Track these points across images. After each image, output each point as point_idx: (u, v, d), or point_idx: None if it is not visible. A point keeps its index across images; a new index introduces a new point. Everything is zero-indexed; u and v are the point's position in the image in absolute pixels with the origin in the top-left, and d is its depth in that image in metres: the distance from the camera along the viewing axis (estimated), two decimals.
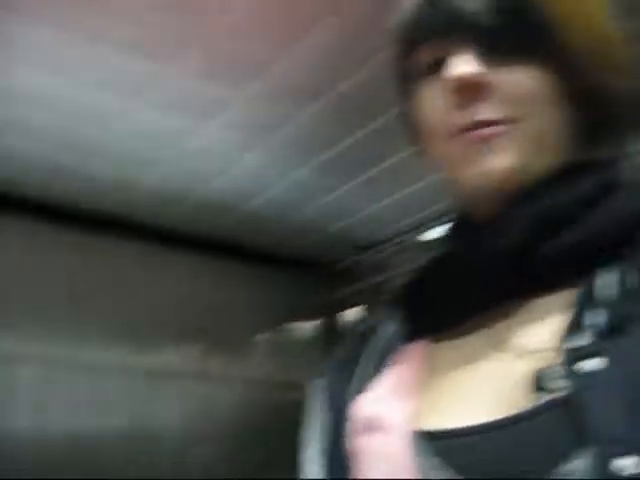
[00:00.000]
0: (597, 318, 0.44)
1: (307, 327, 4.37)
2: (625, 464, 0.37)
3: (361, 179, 3.29)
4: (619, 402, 0.39)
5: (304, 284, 4.42)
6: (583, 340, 0.43)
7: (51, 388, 3.32)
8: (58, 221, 3.53)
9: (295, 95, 2.61)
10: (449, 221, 0.62)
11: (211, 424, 3.80)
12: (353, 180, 3.31)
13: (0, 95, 2.57)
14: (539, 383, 0.44)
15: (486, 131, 0.51)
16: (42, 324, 3.38)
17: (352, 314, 4.25)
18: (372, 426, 0.52)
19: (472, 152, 0.52)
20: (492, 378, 0.48)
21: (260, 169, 3.21)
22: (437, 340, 0.56)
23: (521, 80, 0.51)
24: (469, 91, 0.51)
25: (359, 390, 0.57)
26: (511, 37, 0.51)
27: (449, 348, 0.54)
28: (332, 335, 4.19)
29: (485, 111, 0.51)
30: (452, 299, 0.53)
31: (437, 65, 0.54)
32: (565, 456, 0.40)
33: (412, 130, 0.60)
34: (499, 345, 0.50)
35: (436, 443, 0.47)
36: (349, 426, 0.55)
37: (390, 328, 0.61)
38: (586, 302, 0.46)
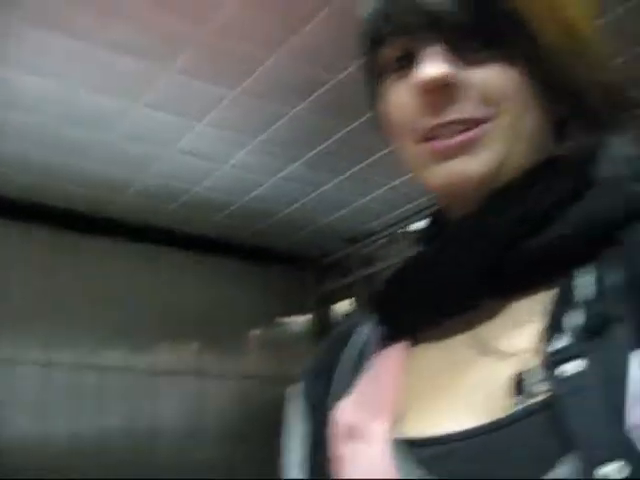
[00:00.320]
0: (575, 319, 0.44)
1: (299, 321, 4.42)
2: (609, 470, 0.37)
3: (349, 173, 3.35)
4: (600, 406, 0.39)
5: (295, 279, 4.47)
6: (562, 342, 0.43)
7: (51, 389, 3.35)
8: (49, 222, 3.55)
9: (285, 92, 2.66)
10: (427, 216, 0.60)
11: (207, 419, 3.85)
12: (341, 175, 3.37)
13: None
14: (520, 387, 0.43)
15: (457, 138, 0.49)
16: (39, 327, 3.40)
17: (343, 307, 4.31)
18: (353, 434, 0.51)
19: (442, 156, 0.50)
20: (473, 382, 0.47)
21: (250, 166, 3.26)
22: (416, 341, 0.55)
23: (492, 78, 0.49)
24: (438, 93, 0.49)
25: (339, 396, 0.56)
26: (480, 32, 0.49)
27: (429, 350, 0.53)
28: (324, 328, 4.25)
29: (455, 112, 0.49)
30: (429, 299, 0.52)
31: (404, 60, 0.52)
32: (549, 463, 0.40)
33: (382, 127, 0.57)
34: (479, 347, 0.49)
35: (418, 451, 0.46)
36: (330, 433, 0.54)
37: (368, 330, 0.60)
38: (564, 303, 0.46)
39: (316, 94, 2.64)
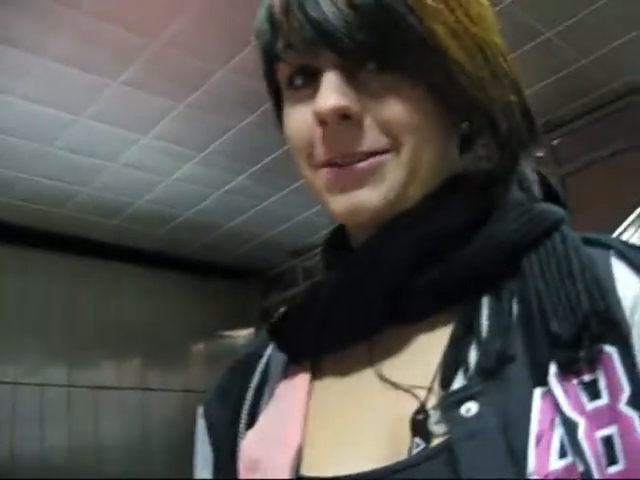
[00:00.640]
0: (471, 357, 0.44)
1: (243, 335, 4.44)
2: None
3: (293, 187, 3.42)
4: (500, 451, 0.39)
5: (239, 293, 4.50)
6: (458, 382, 0.43)
7: None
8: None
9: (231, 106, 2.71)
10: (329, 238, 0.58)
11: (151, 433, 3.81)
12: (285, 188, 3.43)
13: None
14: (419, 427, 0.43)
15: (354, 166, 0.47)
16: None
17: None
18: (254, 467, 0.49)
19: (339, 188, 0.48)
20: (374, 418, 0.47)
21: (195, 179, 3.29)
22: (319, 369, 0.53)
23: (392, 108, 0.47)
24: (335, 125, 0.46)
25: (247, 424, 0.54)
26: (379, 53, 0.46)
27: (332, 380, 0.52)
28: None
29: (353, 144, 0.47)
30: (332, 325, 0.50)
31: (300, 78, 0.49)
32: None
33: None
34: (381, 377, 0.48)
35: None
36: (235, 464, 0.52)
37: (273, 354, 0.58)
38: (461, 338, 0.45)
39: (262, 109, 2.70)
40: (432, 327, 0.48)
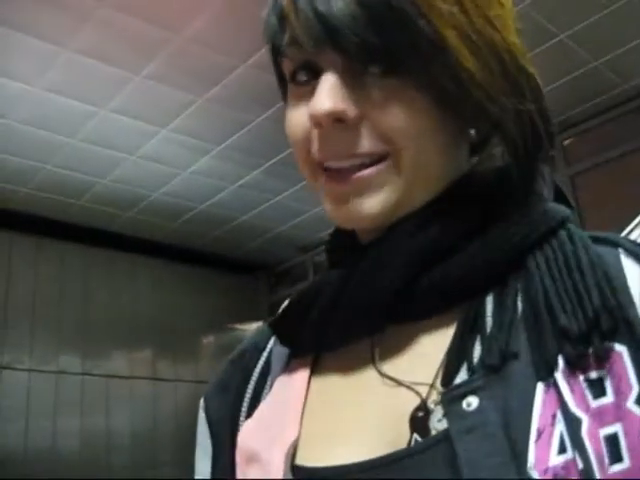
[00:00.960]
0: (475, 353, 0.44)
1: (251, 328, 4.49)
2: None
3: (305, 183, 3.45)
4: (491, 445, 0.38)
5: (249, 286, 4.55)
6: (460, 377, 0.43)
7: (9, 393, 3.32)
8: (6, 226, 3.52)
9: (249, 102, 2.77)
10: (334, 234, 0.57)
11: (160, 422, 3.87)
12: (298, 183, 3.48)
13: None
14: (419, 420, 0.43)
15: (352, 176, 0.46)
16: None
17: None
18: (251, 458, 0.49)
19: (336, 200, 0.48)
20: (374, 411, 0.46)
21: (211, 173, 3.34)
22: (320, 363, 0.53)
23: (393, 113, 0.45)
24: (332, 127, 0.45)
25: (246, 417, 0.54)
26: (385, 55, 0.44)
27: (332, 374, 0.51)
28: None
29: (350, 148, 0.46)
30: (334, 322, 0.49)
31: (303, 73, 0.48)
32: None
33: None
34: (382, 374, 0.48)
35: None
36: (234, 456, 0.52)
37: (275, 348, 0.58)
38: (466, 334, 0.45)
39: (278, 105, 2.75)
40: (435, 326, 0.48)
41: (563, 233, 0.47)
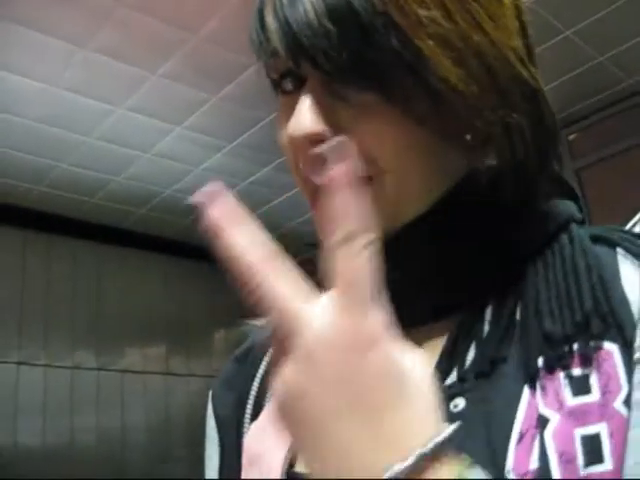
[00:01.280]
0: (467, 356, 0.44)
1: (262, 324, 4.54)
2: None
3: None
4: (471, 445, 0.37)
5: None
6: (449, 379, 0.43)
7: (24, 388, 3.38)
8: (19, 223, 3.58)
9: (262, 100, 2.82)
10: None
11: (173, 416, 3.93)
12: None
13: None
14: None
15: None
16: (10, 328, 3.43)
17: None
18: (253, 462, 0.50)
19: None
20: None
21: (222, 170, 3.39)
22: None
23: (375, 133, 0.44)
24: (311, 148, 0.44)
25: (252, 413, 0.55)
26: (366, 74, 0.42)
27: None
28: None
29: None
30: None
31: (288, 81, 0.48)
32: None
33: None
34: None
35: None
36: (240, 452, 0.53)
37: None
38: (459, 339, 0.45)
39: None
40: (432, 332, 0.48)
41: (564, 236, 0.47)
